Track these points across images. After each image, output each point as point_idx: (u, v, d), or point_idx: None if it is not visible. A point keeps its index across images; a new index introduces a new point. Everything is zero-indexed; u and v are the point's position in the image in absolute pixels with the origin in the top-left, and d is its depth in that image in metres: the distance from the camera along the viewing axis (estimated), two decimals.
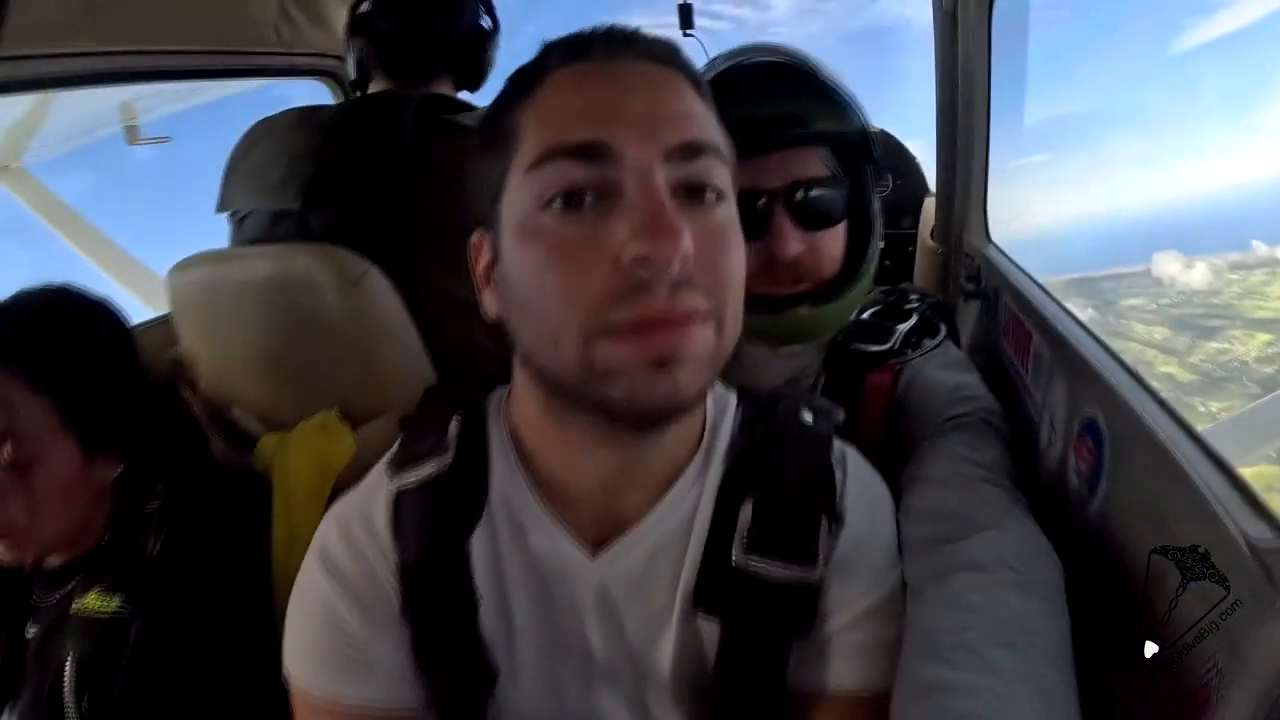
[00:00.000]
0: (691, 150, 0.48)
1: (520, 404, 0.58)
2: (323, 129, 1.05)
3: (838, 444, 0.62)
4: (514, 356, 0.55)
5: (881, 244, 0.83)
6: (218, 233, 1.15)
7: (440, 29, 1.17)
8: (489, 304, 0.54)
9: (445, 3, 1.18)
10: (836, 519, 0.58)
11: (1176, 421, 0.53)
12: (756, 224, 0.75)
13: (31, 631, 0.84)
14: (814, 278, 0.78)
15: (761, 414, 0.61)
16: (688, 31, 1.82)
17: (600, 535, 0.56)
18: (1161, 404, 0.56)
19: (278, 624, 0.89)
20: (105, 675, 0.77)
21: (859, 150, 0.80)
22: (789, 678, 0.56)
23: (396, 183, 1.01)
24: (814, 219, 0.77)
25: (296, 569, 0.61)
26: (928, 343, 0.84)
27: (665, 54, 0.52)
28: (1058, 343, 0.76)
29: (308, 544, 0.61)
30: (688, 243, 0.44)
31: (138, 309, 1.83)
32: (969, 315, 1.18)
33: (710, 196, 0.48)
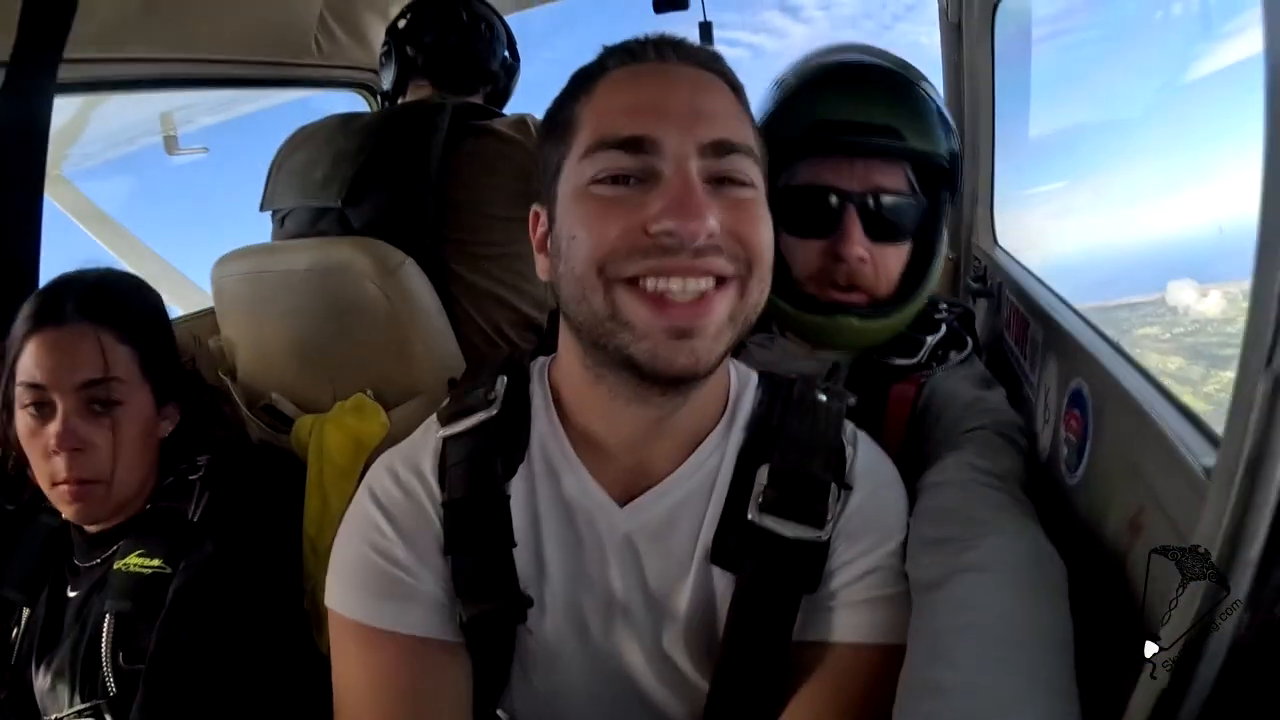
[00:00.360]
0: (723, 147, 0.54)
1: (562, 363, 0.63)
2: (363, 132, 1.12)
3: (849, 425, 0.66)
4: (560, 321, 0.61)
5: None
6: (235, 243, 1.20)
7: (476, 47, 1.28)
8: (541, 268, 0.61)
9: (481, 26, 1.29)
10: (845, 487, 0.62)
11: (1146, 378, 0.57)
12: (826, 221, 0.77)
13: (73, 593, 0.89)
14: (869, 290, 0.79)
15: (780, 391, 0.66)
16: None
17: (629, 487, 0.61)
18: (1135, 366, 0.60)
19: (306, 593, 0.95)
20: (142, 631, 0.81)
21: (942, 175, 0.81)
22: (795, 632, 0.60)
23: (432, 181, 1.08)
24: (883, 229, 0.78)
25: (328, 541, 0.65)
26: (954, 355, 0.83)
27: (708, 60, 0.59)
28: (1049, 325, 0.80)
29: (339, 517, 0.65)
30: (714, 223, 0.52)
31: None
32: (979, 318, 1.21)
33: (738, 183, 0.55)
